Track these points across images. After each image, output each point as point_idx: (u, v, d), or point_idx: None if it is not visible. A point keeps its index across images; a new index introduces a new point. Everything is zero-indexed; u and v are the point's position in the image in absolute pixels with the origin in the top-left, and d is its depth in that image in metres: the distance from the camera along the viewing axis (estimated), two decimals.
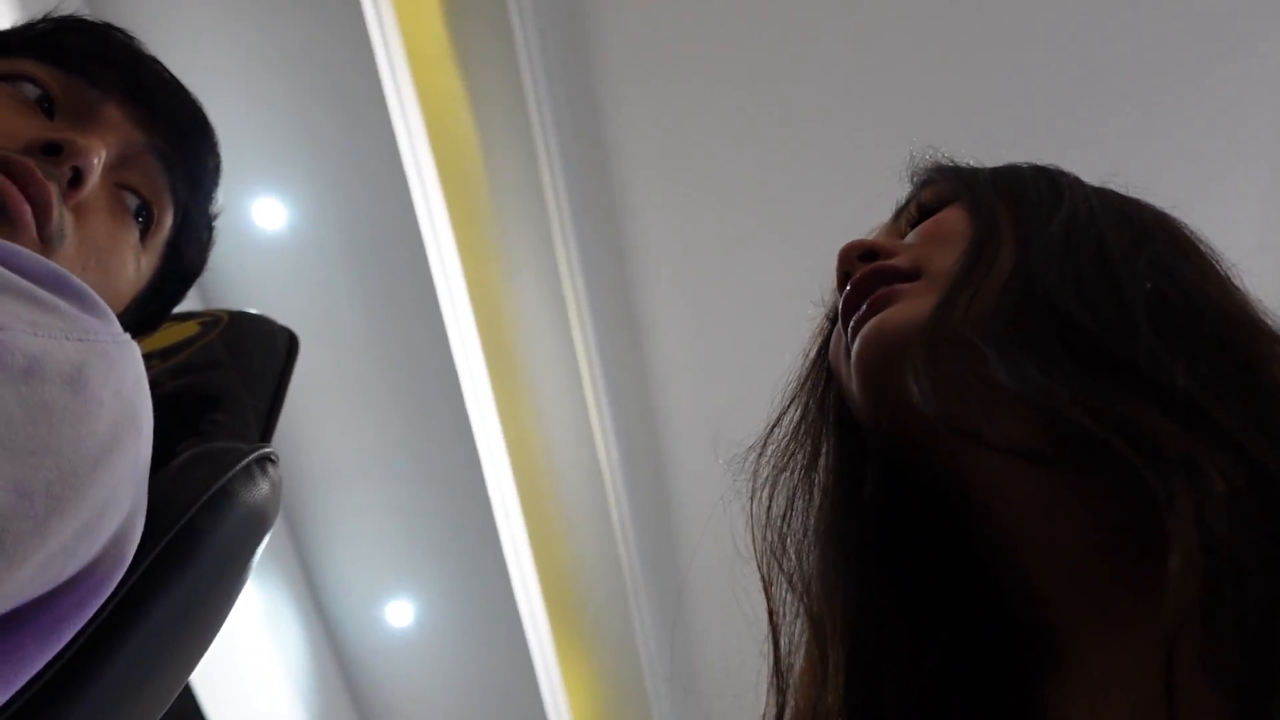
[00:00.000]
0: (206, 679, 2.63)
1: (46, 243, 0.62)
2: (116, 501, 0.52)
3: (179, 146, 0.75)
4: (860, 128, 2.45)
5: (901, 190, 0.67)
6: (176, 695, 0.63)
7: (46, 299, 0.49)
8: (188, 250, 0.81)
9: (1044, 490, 0.45)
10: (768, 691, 0.54)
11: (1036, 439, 0.43)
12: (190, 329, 0.83)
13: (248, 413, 0.78)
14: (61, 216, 0.63)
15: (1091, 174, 0.57)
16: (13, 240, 0.59)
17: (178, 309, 0.84)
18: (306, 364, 2.86)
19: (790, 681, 0.54)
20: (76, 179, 0.64)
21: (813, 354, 0.63)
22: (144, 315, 0.79)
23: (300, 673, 3.13)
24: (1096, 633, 0.43)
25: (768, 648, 0.55)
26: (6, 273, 0.48)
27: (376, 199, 2.49)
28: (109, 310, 0.54)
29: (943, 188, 0.60)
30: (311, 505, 3.03)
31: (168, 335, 0.82)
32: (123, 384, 0.52)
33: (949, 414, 0.44)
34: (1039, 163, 0.60)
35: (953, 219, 0.55)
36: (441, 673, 3.26)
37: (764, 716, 0.55)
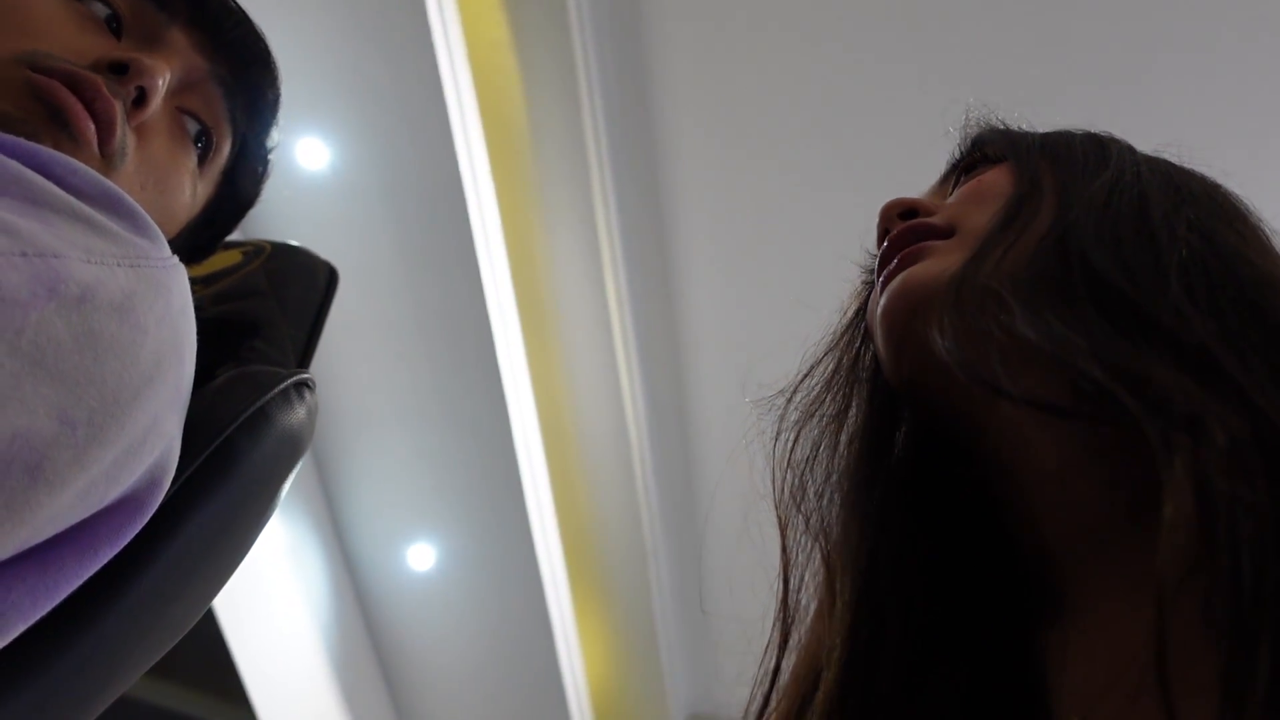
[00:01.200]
0: (230, 606, 2.68)
1: (108, 160, 0.63)
2: (158, 429, 0.52)
3: (241, 76, 0.75)
4: (907, 86, 2.42)
5: (949, 149, 0.67)
6: (201, 614, 0.64)
7: (99, 221, 0.50)
8: (243, 180, 0.81)
9: (1061, 446, 0.45)
10: (772, 626, 0.56)
11: (1055, 392, 0.43)
12: (233, 257, 0.84)
13: (286, 342, 0.78)
14: (124, 135, 0.64)
15: (1145, 141, 0.57)
16: (74, 156, 0.60)
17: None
18: (340, 305, 2.88)
19: (796, 617, 0.55)
20: (141, 99, 0.64)
21: (850, 312, 0.63)
22: (195, 243, 0.80)
23: (321, 608, 3.18)
24: (1100, 585, 0.44)
25: (777, 585, 0.56)
26: (62, 194, 0.49)
27: (419, 144, 2.49)
28: (159, 232, 0.55)
29: (991, 148, 0.60)
30: (339, 445, 3.07)
31: (210, 262, 0.82)
32: (169, 310, 0.53)
33: (970, 364, 0.44)
34: (1092, 129, 0.59)
35: (994, 179, 0.56)
36: (458, 618, 3.30)
37: (766, 649, 0.56)
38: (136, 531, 0.52)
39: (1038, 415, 0.45)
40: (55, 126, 0.59)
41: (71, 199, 0.49)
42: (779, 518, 0.58)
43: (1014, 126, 0.63)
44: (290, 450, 0.66)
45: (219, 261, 0.83)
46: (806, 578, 0.56)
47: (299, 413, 0.67)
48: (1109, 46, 2.22)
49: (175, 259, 0.56)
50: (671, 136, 2.67)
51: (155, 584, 0.57)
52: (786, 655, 0.57)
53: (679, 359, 3.01)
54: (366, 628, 3.43)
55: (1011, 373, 0.43)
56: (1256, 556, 0.32)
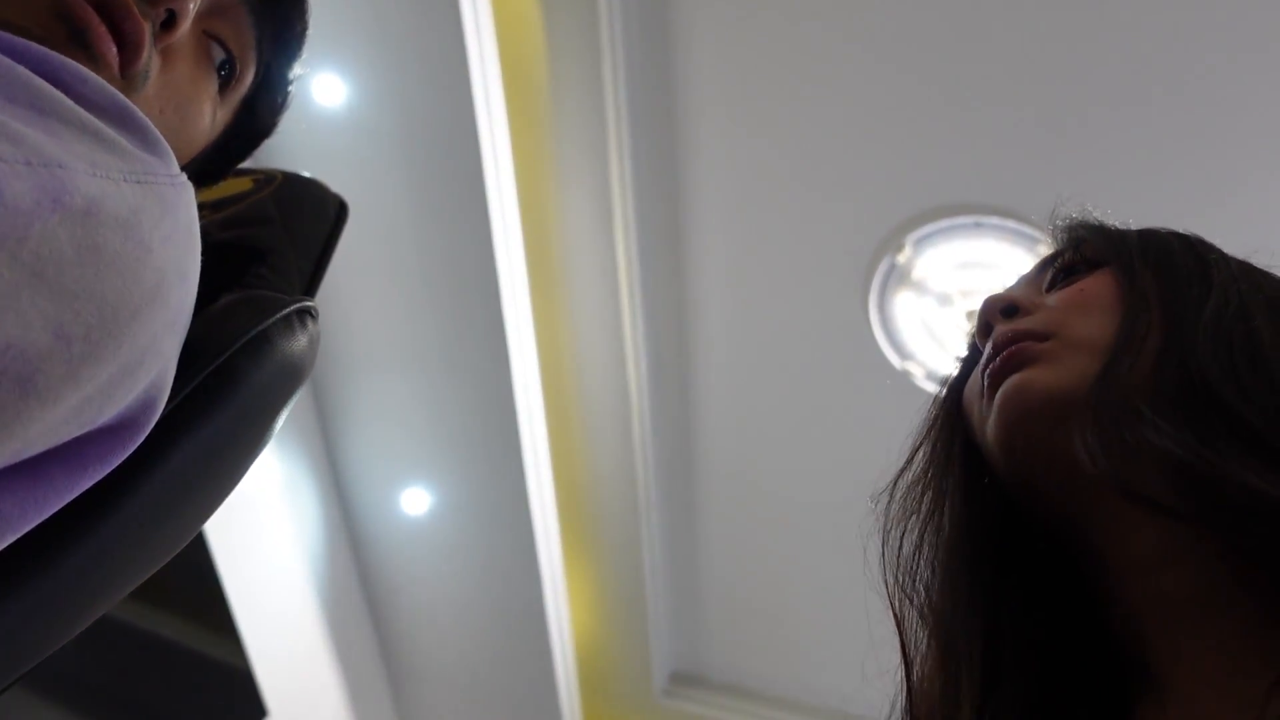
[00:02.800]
0: (223, 540, 2.70)
1: (129, 82, 0.62)
2: (156, 350, 0.52)
3: (271, 4, 0.74)
4: (930, 79, 2.40)
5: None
6: (191, 537, 0.64)
7: (107, 134, 0.49)
8: (262, 110, 0.80)
9: (1165, 543, 0.49)
10: (903, 715, 0.59)
11: (1189, 501, 0.47)
12: (243, 184, 0.83)
13: (292, 271, 0.78)
14: (150, 58, 0.63)
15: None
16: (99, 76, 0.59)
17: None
18: (348, 245, 2.87)
19: (923, 709, 0.58)
20: (170, 21, 0.63)
21: (943, 399, 0.67)
22: (207, 168, 0.79)
23: (313, 546, 3.20)
24: (1195, 670, 0.47)
25: (899, 676, 0.60)
26: (70, 103, 0.48)
27: (437, 88, 2.47)
28: (169, 149, 0.53)
29: (1091, 249, 0.63)
30: (340, 385, 3.07)
31: (221, 188, 0.81)
32: (175, 229, 0.52)
33: (1115, 472, 0.48)
34: (1182, 231, 0.62)
35: (1097, 289, 0.58)
36: (449, 563, 3.33)
37: None
38: (129, 453, 0.51)
39: (1159, 516, 0.48)
40: (75, 46, 0.58)
41: (80, 109, 0.48)
42: (893, 611, 0.62)
43: (1109, 224, 0.66)
44: (290, 377, 0.65)
45: (229, 187, 0.82)
46: (923, 653, 0.60)
47: (300, 340, 0.67)
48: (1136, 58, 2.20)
49: (184, 177, 0.54)
50: (691, 97, 2.65)
51: (148, 502, 0.57)
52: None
53: (684, 320, 3.00)
54: (357, 568, 3.45)
55: (1149, 482, 0.47)
56: None
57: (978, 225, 2.58)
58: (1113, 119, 2.26)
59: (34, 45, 0.48)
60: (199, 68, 0.70)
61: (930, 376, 2.81)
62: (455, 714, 3.80)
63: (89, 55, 0.59)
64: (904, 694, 0.59)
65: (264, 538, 2.98)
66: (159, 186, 0.51)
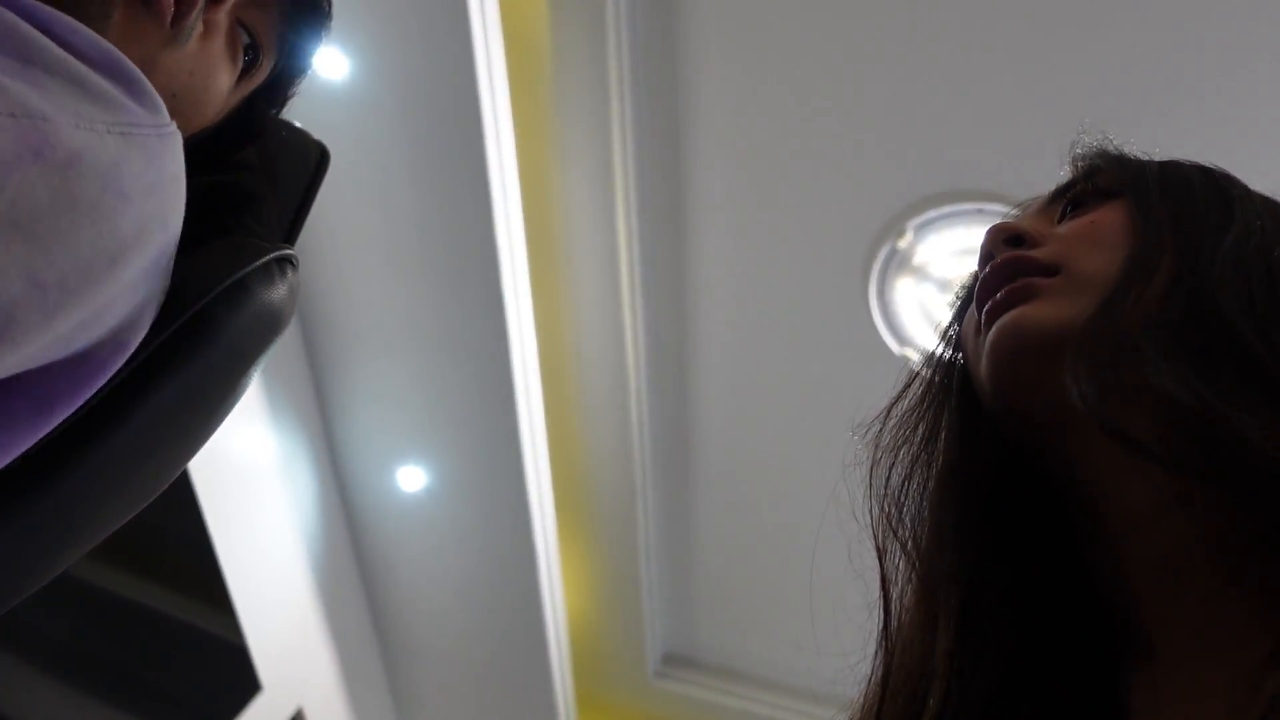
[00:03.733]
0: (218, 513, 2.70)
1: (176, 35, 0.63)
2: (126, 296, 0.52)
3: (303, 10, 0.77)
4: (934, 65, 2.39)
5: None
6: (169, 481, 0.65)
7: (95, 84, 0.49)
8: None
9: (1161, 495, 0.46)
10: (875, 653, 0.57)
11: (1184, 449, 0.44)
12: None
13: (273, 219, 0.78)
14: (198, 18, 0.65)
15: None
16: (145, 24, 0.61)
17: None
18: (351, 221, 2.87)
19: (897, 644, 0.56)
20: None
21: (943, 327, 0.64)
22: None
23: (308, 520, 3.21)
24: (1186, 633, 0.44)
25: (878, 613, 0.58)
26: (59, 52, 0.48)
27: (440, 65, 2.46)
28: (158, 99, 0.54)
29: (1105, 180, 0.59)
30: (338, 360, 3.07)
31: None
32: (160, 178, 0.52)
33: (1108, 415, 0.45)
34: (1207, 164, 0.59)
35: (1110, 221, 0.55)
36: (443, 541, 3.33)
37: (871, 675, 0.57)
38: (95, 388, 0.52)
39: (1150, 463, 0.45)
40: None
41: (69, 58, 0.49)
42: (876, 544, 0.59)
43: (1129, 154, 0.62)
44: (268, 326, 0.65)
45: None
46: (904, 596, 0.58)
47: (280, 289, 0.66)
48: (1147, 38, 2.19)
49: (172, 126, 0.55)
50: (695, 79, 2.64)
51: (123, 446, 0.57)
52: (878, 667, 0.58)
53: (684, 302, 3.00)
54: (352, 543, 3.46)
55: (1143, 425, 0.44)
56: None
57: (980, 212, 2.57)
58: (1118, 106, 2.25)
59: None
60: (231, 48, 0.72)
61: None
62: (448, 691, 3.81)
63: (148, 9, 0.61)
64: (882, 629, 0.57)
65: (260, 513, 2.98)
66: (143, 137, 0.51)
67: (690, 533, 3.45)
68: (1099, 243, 0.53)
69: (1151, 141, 0.63)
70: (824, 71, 2.52)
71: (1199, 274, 0.48)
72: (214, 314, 0.60)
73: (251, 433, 2.90)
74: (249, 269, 0.63)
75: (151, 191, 0.52)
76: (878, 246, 2.69)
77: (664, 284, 2.98)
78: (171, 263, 0.56)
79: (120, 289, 0.51)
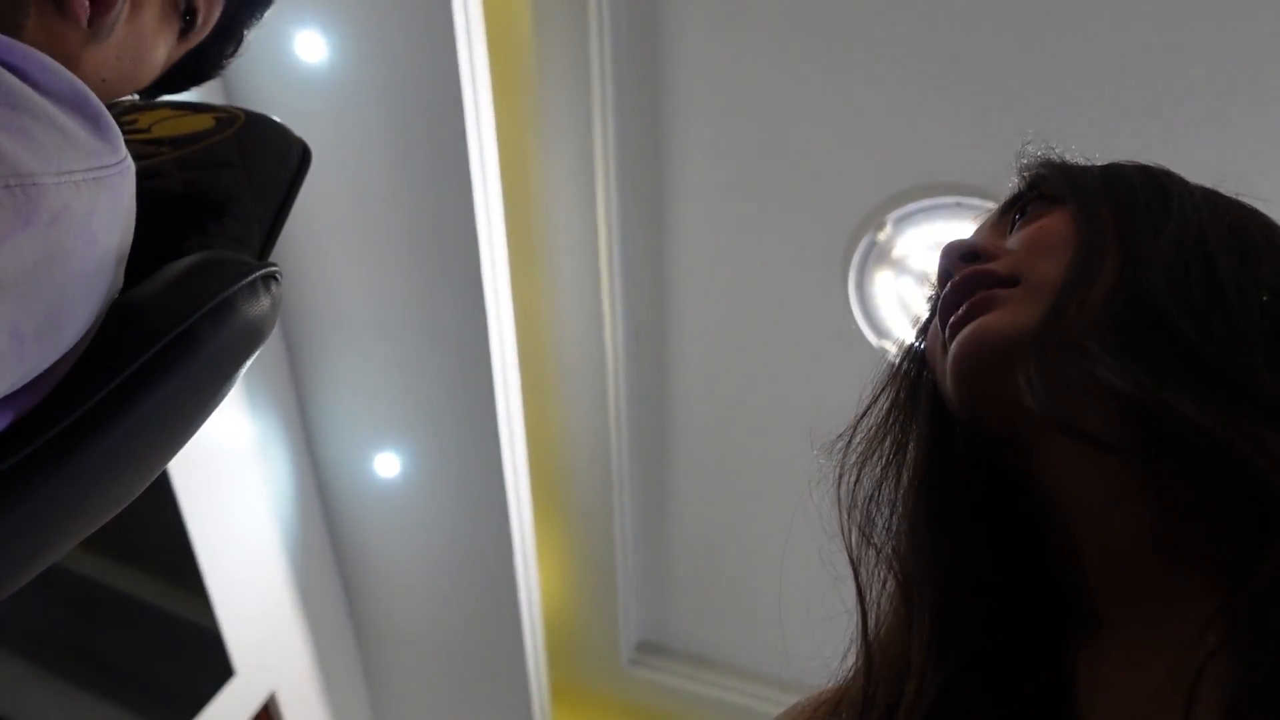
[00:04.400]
0: (193, 498, 2.69)
1: (95, 35, 0.63)
2: (84, 319, 0.56)
3: None
4: (916, 59, 2.39)
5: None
6: (146, 485, 0.65)
7: (72, 131, 0.51)
8: (211, 56, 0.81)
9: (1114, 482, 0.48)
10: (856, 654, 0.59)
11: (1133, 437, 0.46)
12: (205, 121, 0.81)
13: (252, 220, 0.77)
14: (120, 11, 0.64)
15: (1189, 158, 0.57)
16: (60, 28, 0.61)
17: (196, 99, 0.84)
18: (327, 205, 2.85)
19: (877, 642, 0.58)
20: None
21: (907, 343, 0.66)
22: (142, 94, 0.80)
23: (284, 506, 3.20)
24: (1132, 614, 0.47)
25: (856, 616, 0.59)
26: (39, 100, 0.50)
27: (421, 48, 2.45)
28: (117, 131, 0.55)
29: (1049, 188, 0.61)
30: (316, 345, 3.06)
31: (180, 124, 0.80)
32: (116, 215, 0.55)
33: (1061, 413, 0.48)
34: (1147, 164, 0.61)
35: (1056, 226, 0.57)
36: (420, 528, 3.33)
37: (852, 671, 0.59)
38: (47, 392, 0.56)
39: (1104, 454, 0.48)
40: (48, 2, 0.60)
41: (48, 105, 0.50)
42: (850, 554, 0.61)
43: (1071, 161, 0.64)
44: (250, 340, 0.65)
45: (189, 124, 0.80)
46: (880, 598, 0.60)
47: (263, 303, 0.67)
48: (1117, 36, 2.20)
49: (128, 160, 0.56)
50: (677, 70, 2.64)
51: (103, 455, 0.57)
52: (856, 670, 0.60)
53: (663, 293, 3.00)
54: (327, 529, 3.45)
55: (1096, 421, 0.47)
56: None
57: (959, 205, 2.59)
58: (1097, 101, 2.26)
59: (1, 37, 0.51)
60: (164, 19, 0.71)
61: None
62: (423, 677, 3.82)
63: (61, 12, 0.61)
64: (860, 637, 0.59)
65: (235, 498, 2.97)
66: (110, 177, 0.54)
67: (666, 522, 3.46)
68: (1048, 249, 0.55)
69: (1128, 136, 0.64)
70: (806, 64, 2.52)
71: (1139, 271, 0.50)
72: (199, 332, 0.61)
73: (228, 418, 2.88)
74: (235, 288, 0.64)
75: (112, 229, 0.54)
76: (857, 239, 2.70)
77: (643, 274, 2.98)
78: (121, 268, 0.58)
79: (81, 316, 0.54)
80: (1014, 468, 0.55)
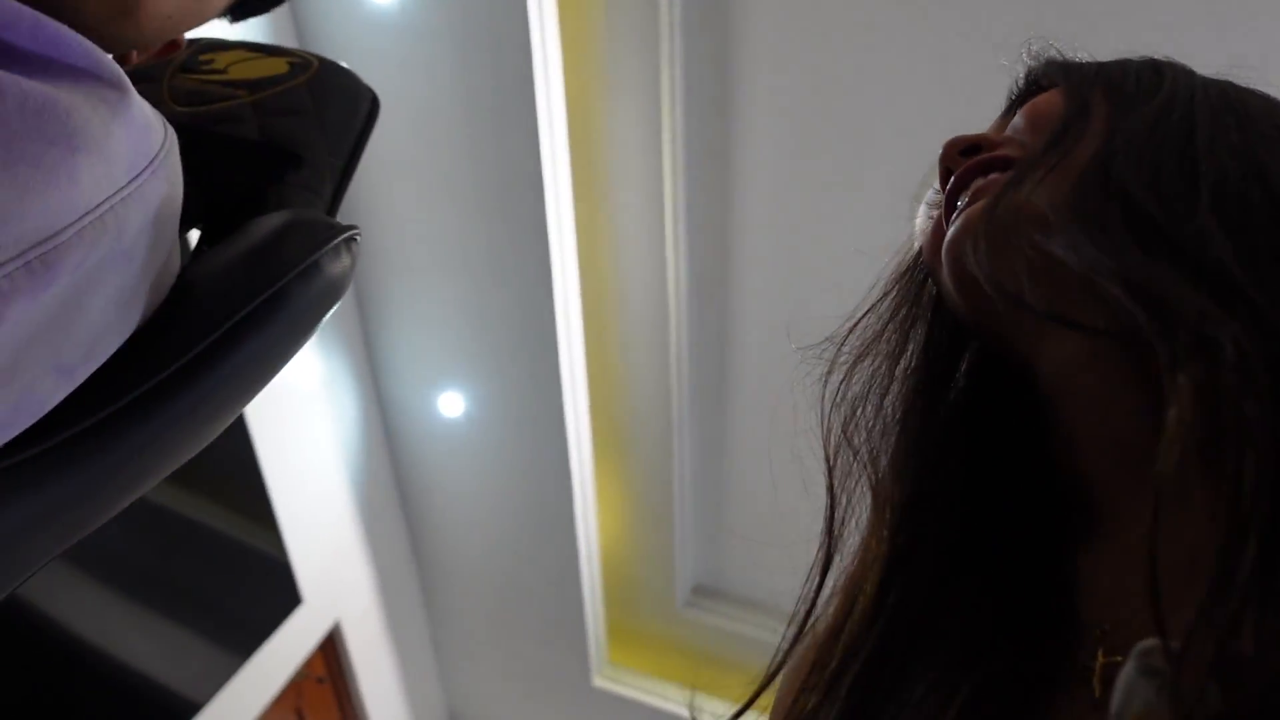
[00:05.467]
0: (266, 435, 2.76)
1: None
2: (130, 325, 0.58)
3: None
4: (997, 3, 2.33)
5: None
6: (225, 428, 0.69)
7: (94, 142, 0.50)
8: None
9: (1102, 373, 0.47)
10: (818, 550, 0.59)
11: (1082, 311, 0.44)
12: (280, 66, 0.83)
13: (324, 169, 0.79)
14: None
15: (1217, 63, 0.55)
16: None
17: (272, 43, 0.84)
18: (396, 145, 2.86)
19: (839, 543, 0.58)
20: None
21: (912, 252, 0.64)
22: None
23: (350, 443, 3.27)
24: (1130, 508, 0.46)
25: (825, 509, 0.59)
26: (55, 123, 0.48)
27: None
28: (142, 112, 0.55)
29: (1046, 80, 0.60)
30: (383, 286, 3.10)
31: (256, 67, 0.82)
32: (157, 223, 0.56)
33: (996, 277, 0.46)
34: (1158, 57, 0.58)
35: (1049, 102, 0.55)
36: (481, 467, 3.39)
37: (810, 570, 0.59)
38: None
39: (1066, 335, 0.46)
40: None
41: (64, 101, 0.48)
42: (826, 451, 0.60)
43: (1073, 58, 0.62)
44: (331, 298, 0.69)
45: (265, 68, 0.82)
46: (854, 501, 0.59)
47: (344, 263, 0.70)
48: None
49: (163, 149, 0.56)
50: (747, 12, 2.60)
51: (195, 404, 0.62)
52: (829, 577, 0.60)
53: (727, 238, 2.99)
54: (392, 466, 3.53)
55: (1039, 289, 0.45)
56: (1255, 464, 0.34)
57: None
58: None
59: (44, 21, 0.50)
60: None
61: None
62: (482, 613, 3.90)
63: None
64: (825, 533, 0.59)
65: (305, 436, 3.05)
66: (138, 190, 0.53)
67: (724, 467, 3.48)
68: (1036, 127, 0.54)
69: None
70: (878, 13, 2.47)
71: (1113, 145, 0.48)
72: (290, 291, 0.64)
73: (300, 359, 2.94)
74: (323, 251, 0.66)
75: (158, 240, 0.57)
76: (923, 193, 2.65)
77: (708, 218, 2.97)
78: (174, 253, 0.61)
79: (129, 320, 0.58)
80: (1014, 368, 0.53)
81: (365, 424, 3.32)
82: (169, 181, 0.57)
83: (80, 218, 0.48)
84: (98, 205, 0.49)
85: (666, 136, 2.77)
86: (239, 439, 2.67)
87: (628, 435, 3.45)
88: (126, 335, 0.57)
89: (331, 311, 0.69)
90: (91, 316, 0.52)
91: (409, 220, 2.92)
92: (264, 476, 2.78)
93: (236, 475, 2.72)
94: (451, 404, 3.25)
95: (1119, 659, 0.42)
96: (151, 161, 0.54)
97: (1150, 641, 0.33)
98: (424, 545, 3.75)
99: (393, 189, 2.86)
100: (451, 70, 2.58)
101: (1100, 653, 0.43)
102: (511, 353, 3.07)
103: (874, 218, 2.77)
